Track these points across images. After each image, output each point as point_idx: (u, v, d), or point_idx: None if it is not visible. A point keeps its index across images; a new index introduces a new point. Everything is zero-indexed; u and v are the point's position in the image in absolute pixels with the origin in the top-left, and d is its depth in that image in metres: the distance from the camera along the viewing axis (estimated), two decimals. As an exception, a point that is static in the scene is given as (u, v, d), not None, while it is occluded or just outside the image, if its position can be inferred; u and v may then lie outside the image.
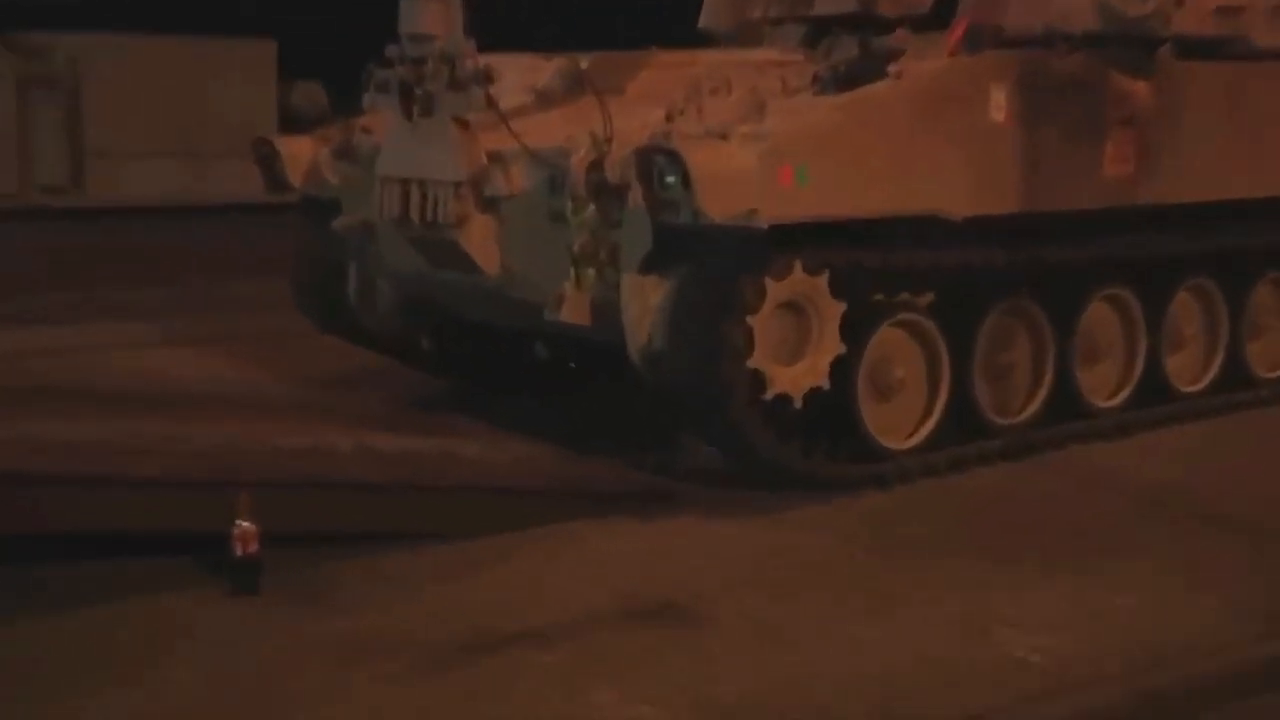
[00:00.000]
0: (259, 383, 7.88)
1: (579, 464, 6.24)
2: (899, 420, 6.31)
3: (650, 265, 5.74)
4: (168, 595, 4.92)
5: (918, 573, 5.18)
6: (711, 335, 5.59)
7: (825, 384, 5.84)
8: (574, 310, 5.88)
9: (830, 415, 6.03)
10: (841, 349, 5.86)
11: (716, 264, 5.66)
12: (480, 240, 6.18)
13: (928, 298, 6.33)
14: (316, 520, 5.30)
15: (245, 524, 4.93)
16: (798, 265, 5.70)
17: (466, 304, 6.83)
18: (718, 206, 5.39)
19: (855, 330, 5.94)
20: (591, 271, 5.84)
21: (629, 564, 5.24)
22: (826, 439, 6.10)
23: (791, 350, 5.80)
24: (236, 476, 5.20)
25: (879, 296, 6.17)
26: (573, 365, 7.63)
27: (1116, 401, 7.12)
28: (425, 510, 5.56)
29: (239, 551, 4.94)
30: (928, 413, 6.38)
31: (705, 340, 5.62)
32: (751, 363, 5.63)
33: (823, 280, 5.77)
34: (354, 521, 5.38)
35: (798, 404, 5.80)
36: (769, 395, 5.71)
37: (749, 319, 5.61)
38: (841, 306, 5.84)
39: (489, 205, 6.16)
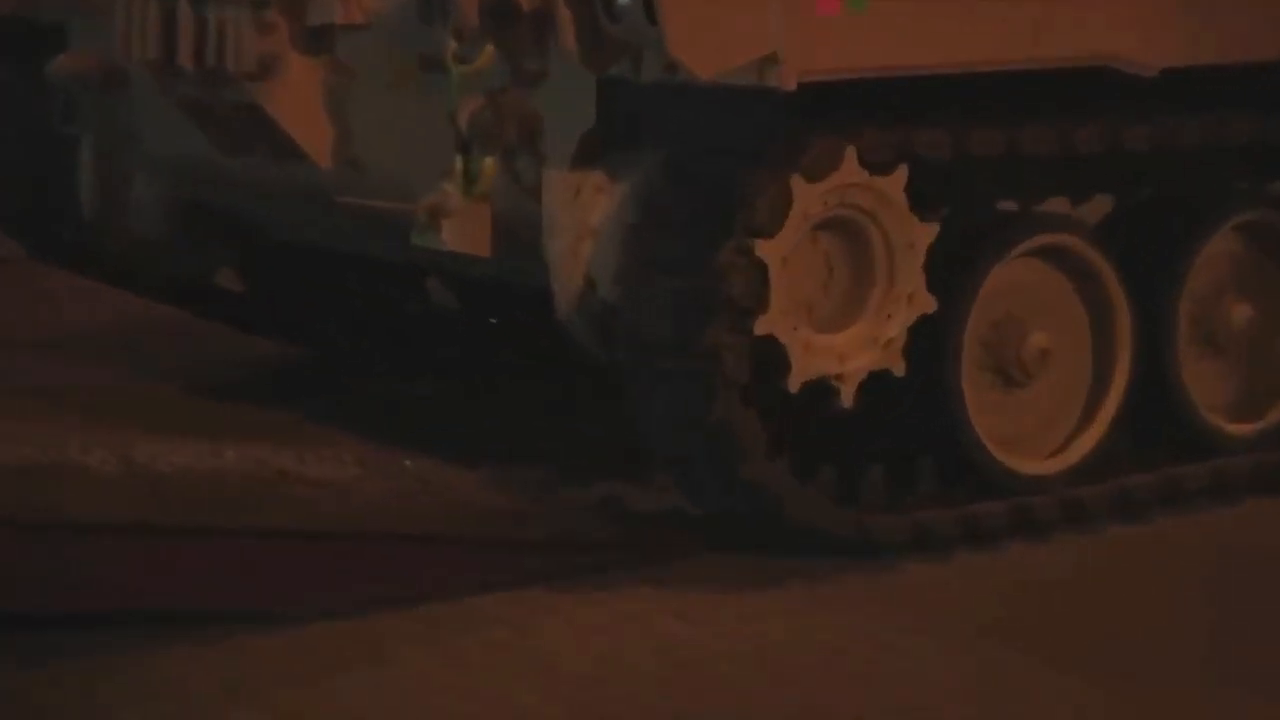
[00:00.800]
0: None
1: (502, 496, 6.29)
2: (1038, 424, 6.39)
3: (591, 153, 5.79)
4: None
5: (1099, 696, 5.12)
6: (698, 286, 5.59)
7: (933, 306, 5.87)
8: (461, 230, 5.91)
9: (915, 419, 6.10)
10: (933, 232, 5.85)
11: (705, 152, 5.67)
12: (300, 105, 6.26)
13: (1084, 209, 6.37)
14: (47, 588, 5.35)
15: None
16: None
17: (284, 217, 6.82)
18: (706, 53, 5.39)
19: (956, 267, 5.98)
20: (491, 161, 5.85)
21: (579, 670, 5.23)
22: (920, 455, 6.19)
23: (841, 304, 5.86)
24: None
25: (1004, 205, 6.19)
26: (493, 321, 7.68)
27: None
28: (234, 571, 5.59)
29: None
30: (1091, 412, 6.43)
31: (687, 296, 5.62)
32: (797, 376, 5.64)
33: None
34: (112, 590, 5.40)
35: (899, 371, 5.83)
36: (844, 401, 5.75)
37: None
38: (902, 175, 5.81)
39: (315, 43, 6.23)
